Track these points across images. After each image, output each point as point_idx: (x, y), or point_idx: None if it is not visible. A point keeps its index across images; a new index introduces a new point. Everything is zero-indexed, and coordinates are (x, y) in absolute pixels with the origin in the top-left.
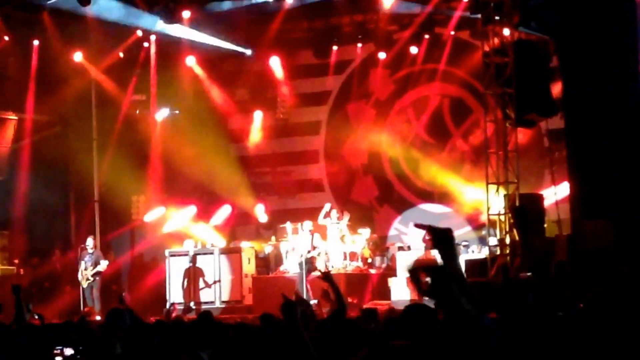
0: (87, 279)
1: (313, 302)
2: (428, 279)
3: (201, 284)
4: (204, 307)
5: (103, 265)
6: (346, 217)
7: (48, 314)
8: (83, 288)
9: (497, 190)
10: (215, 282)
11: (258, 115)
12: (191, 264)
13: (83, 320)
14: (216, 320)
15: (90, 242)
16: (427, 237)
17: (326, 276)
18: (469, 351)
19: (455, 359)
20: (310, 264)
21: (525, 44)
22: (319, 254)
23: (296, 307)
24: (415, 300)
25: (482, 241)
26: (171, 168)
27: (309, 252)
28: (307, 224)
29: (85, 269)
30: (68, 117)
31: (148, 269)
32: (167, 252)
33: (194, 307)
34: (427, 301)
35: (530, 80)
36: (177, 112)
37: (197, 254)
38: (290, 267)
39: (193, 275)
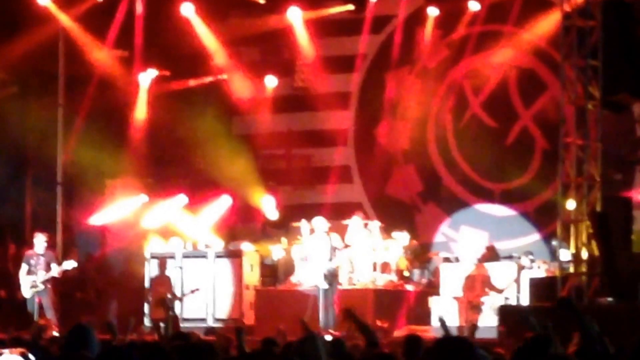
0: (34, 287)
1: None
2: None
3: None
4: (190, 325)
5: (66, 265)
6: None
7: None
8: (26, 298)
9: (575, 190)
10: (193, 292)
11: (271, 82)
12: (159, 272)
13: (39, 336)
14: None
15: (40, 239)
16: (485, 249)
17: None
18: None
19: None
20: (334, 276)
21: (617, 4)
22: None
23: (318, 343)
24: (464, 328)
25: (553, 254)
26: (157, 146)
27: (330, 259)
28: (320, 222)
29: (29, 273)
30: (27, 76)
31: (123, 273)
32: (147, 254)
33: (147, 330)
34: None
35: (621, 50)
36: (167, 74)
37: (186, 257)
38: (305, 277)
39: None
